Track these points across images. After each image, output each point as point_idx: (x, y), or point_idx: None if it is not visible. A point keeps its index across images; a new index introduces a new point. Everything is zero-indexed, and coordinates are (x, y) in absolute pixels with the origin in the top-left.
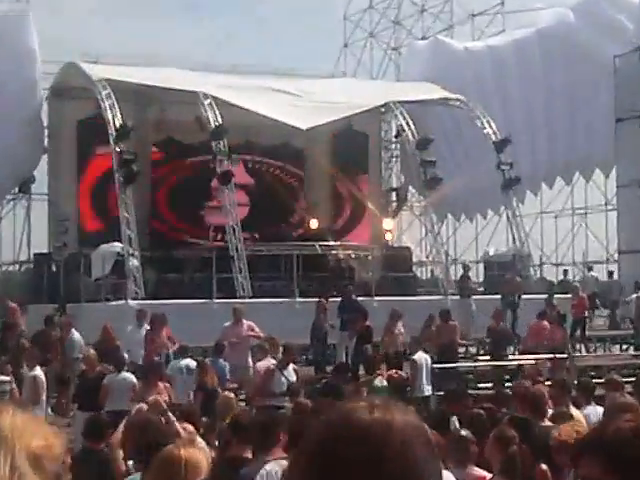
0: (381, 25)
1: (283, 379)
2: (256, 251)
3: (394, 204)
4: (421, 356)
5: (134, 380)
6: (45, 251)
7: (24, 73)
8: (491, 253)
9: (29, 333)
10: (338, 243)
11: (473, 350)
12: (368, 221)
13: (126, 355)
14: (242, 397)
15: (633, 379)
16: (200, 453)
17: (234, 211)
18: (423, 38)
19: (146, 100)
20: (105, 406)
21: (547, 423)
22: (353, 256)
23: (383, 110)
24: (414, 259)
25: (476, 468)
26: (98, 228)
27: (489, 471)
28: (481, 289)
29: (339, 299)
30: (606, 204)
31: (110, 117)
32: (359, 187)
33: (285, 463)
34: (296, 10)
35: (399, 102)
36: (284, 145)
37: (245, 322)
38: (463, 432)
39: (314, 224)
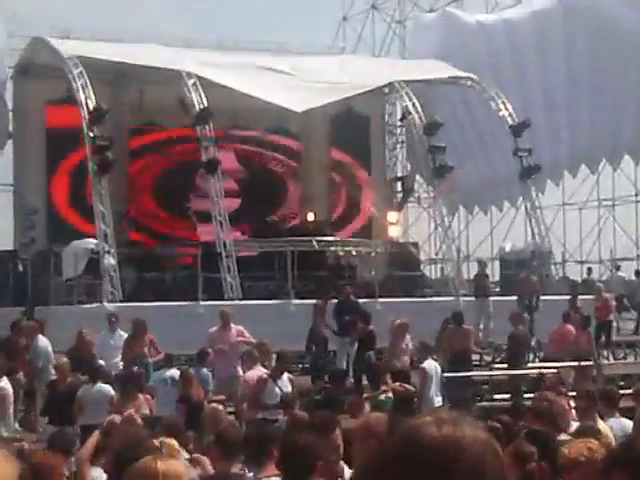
0: None
1: (277, 390)
2: (246, 247)
3: (399, 195)
4: (431, 364)
5: (111, 392)
6: (10, 248)
7: None
8: (507, 249)
9: None
10: (337, 238)
11: (488, 357)
12: (371, 214)
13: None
14: (231, 409)
15: None
16: (180, 466)
17: (222, 203)
18: (431, 10)
19: (123, 80)
20: (79, 420)
21: (566, 437)
22: (354, 253)
23: (387, 91)
24: (422, 256)
25: None
26: (75, 222)
27: None
28: (496, 289)
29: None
30: (636, 195)
31: (82, 99)
32: (360, 176)
33: None
34: None
35: (404, 82)
36: (276, 130)
37: (234, 327)
38: None
39: (310, 217)
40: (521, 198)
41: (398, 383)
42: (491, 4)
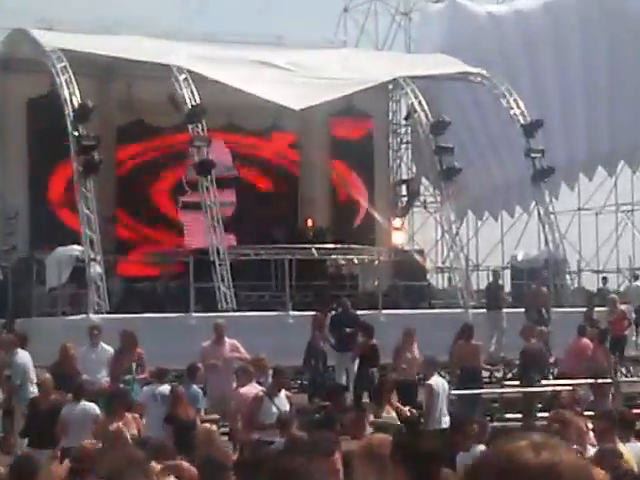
0: None
1: (273, 408)
2: (241, 255)
3: (404, 199)
4: (437, 381)
5: (96, 411)
6: None
7: None
8: (519, 258)
9: None
10: (338, 246)
11: (499, 374)
12: (373, 220)
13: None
14: (225, 430)
15: None
16: None
17: (215, 208)
18: (438, 1)
19: (110, 75)
20: (61, 442)
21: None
22: (356, 261)
23: (391, 87)
24: (428, 265)
25: None
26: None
27: None
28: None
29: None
30: None
31: (67, 95)
32: (362, 179)
33: None
34: None
35: (410, 77)
36: (273, 129)
37: (228, 340)
38: None
39: (310, 223)
40: (534, 203)
41: (407, 408)
42: None
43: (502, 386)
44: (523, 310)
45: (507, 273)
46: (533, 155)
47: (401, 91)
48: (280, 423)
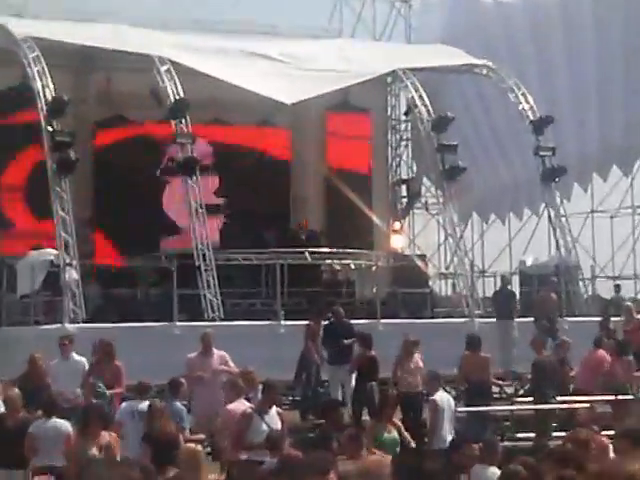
0: None
1: (264, 426)
2: (229, 260)
3: (404, 200)
4: (442, 396)
5: (68, 428)
6: None
7: None
8: (528, 263)
9: None
10: (334, 250)
11: (510, 389)
12: (371, 222)
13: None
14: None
15: None
16: None
17: (200, 209)
18: None
19: (87, 66)
20: (31, 461)
21: None
22: (353, 267)
23: (390, 80)
24: (430, 271)
25: None
26: (32, 230)
27: None
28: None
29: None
30: None
31: (39, 87)
32: (359, 178)
33: None
34: None
35: (410, 70)
36: (264, 124)
37: (216, 352)
38: None
39: (302, 225)
40: (543, 204)
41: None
42: None
43: (513, 403)
44: (532, 319)
45: (515, 279)
46: (543, 153)
47: (400, 84)
48: (270, 442)
